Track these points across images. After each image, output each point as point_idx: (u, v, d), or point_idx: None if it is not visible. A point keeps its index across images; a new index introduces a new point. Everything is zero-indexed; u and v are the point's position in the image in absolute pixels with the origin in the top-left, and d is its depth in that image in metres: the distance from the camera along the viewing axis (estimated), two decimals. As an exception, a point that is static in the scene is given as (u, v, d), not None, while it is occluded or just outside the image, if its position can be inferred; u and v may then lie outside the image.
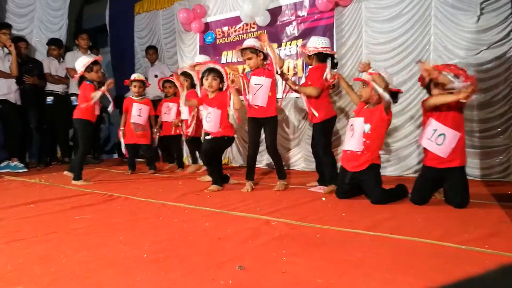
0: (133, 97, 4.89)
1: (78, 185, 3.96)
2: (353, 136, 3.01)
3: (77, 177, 4.09)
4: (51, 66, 5.87)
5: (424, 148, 2.88)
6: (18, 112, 5.39)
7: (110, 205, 3.03)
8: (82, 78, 4.13)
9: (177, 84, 4.00)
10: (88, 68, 4.09)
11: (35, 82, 5.60)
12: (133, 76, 4.92)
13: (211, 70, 3.66)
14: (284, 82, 3.63)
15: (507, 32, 3.66)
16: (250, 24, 5.24)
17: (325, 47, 3.48)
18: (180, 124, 5.00)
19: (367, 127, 2.96)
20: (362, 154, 2.97)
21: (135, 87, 4.83)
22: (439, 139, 2.74)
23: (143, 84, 4.90)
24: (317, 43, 3.50)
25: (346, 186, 3.07)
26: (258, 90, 3.48)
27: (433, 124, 2.79)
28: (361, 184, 3.01)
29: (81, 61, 4.12)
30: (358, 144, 2.98)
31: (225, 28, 5.54)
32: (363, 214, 2.58)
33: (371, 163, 2.96)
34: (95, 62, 4.13)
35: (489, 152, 3.79)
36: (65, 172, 4.61)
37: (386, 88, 2.84)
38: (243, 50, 3.51)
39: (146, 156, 5.12)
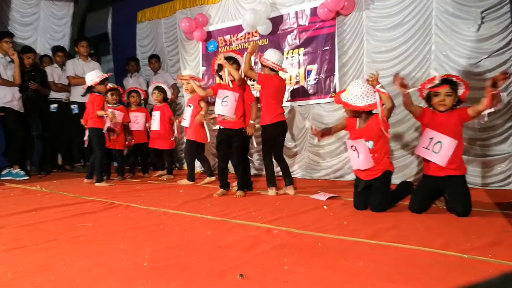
0: (108, 104, 5.00)
1: (101, 186, 4.47)
2: (359, 157, 2.94)
3: (100, 179, 4.58)
4: (54, 74, 5.92)
5: (424, 157, 2.87)
6: (20, 119, 5.42)
7: (111, 213, 3.03)
8: (90, 89, 4.60)
9: (193, 83, 4.07)
10: (101, 82, 4.58)
11: (38, 88, 5.64)
12: (108, 85, 5.01)
13: (234, 59, 3.71)
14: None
15: (507, 41, 3.67)
16: (252, 32, 5.27)
17: (276, 64, 3.65)
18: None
19: (370, 144, 2.91)
20: (373, 167, 2.93)
21: (112, 95, 4.98)
22: (436, 147, 2.73)
23: (119, 91, 5.14)
24: (273, 57, 3.64)
25: (361, 197, 2.97)
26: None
27: (429, 132, 2.79)
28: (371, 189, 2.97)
29: (95, 74, 4.59)
30: (367, 162, 2.91)
31: (227, 37, 5.57)
32: (364, 222, 2.57)
33: (384, 170, 2.91)
34: (107, 78, 4.67)
35: (490, 160, 3.78)
36: (85, 181, 4.76)
37: (392, 108, 2.78)
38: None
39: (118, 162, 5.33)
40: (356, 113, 2.97)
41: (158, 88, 5.24)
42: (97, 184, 4.56)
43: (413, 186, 3.10)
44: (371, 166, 2.92)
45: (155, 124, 5.17)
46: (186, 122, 4.74)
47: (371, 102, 2.83)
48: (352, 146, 2.98)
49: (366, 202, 2.97)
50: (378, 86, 2.78)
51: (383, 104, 2.80)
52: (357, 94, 2.86)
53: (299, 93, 4.93)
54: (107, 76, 4.68)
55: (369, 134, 2.91)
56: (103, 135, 4.66)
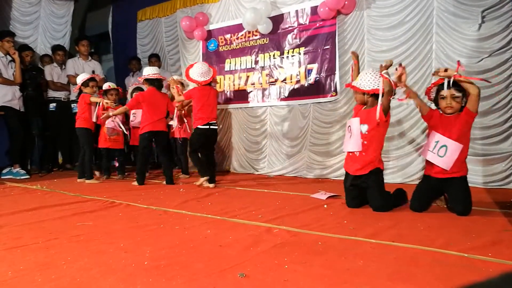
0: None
1: (91, 183, 4.62)
2: (351, 137, 2.99)
3: (90, 176, 4.72)
4: (53, 73, 5.92)
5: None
6: (20, 118, 5.42)
7: (111, 212, 3.03)
8: (81, 91, 4.79)
9: (173, 90, 4.40)
10: (85, 83, 4.72)
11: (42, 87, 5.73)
12: (107, 85, 5.08)
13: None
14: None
15: (508, 40, 3.67)
16: (253, 31, 5.27)
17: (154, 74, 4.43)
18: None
19: (365, 127, 2.93)
20: (361, 156, 2.94)
21: (111, 95, 5.04)
22: (441, 151, 2.73)
23: (118, 91, 5.19)
24: (147, 72, 4.45)
25: (352, 193, 3.00)
26: None
27: (435, 136, 2.79)
28: (365, 190, 2.97)
29: (80, 77, 4.79)
30: (356, 144, 2.95)
31: (228, 36, 5.57)
32: (365, 221, 2.57)
33: (373, 167, 2.91)
34: (91, 79, 4.79)
35: (491, 159, 3.78)
36: (78, 180, 4.79)
37: (389, 92, 2.79)
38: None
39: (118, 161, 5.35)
40: (363, 98, 2.99)
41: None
42: (87, 181, 4.66)
43: (407, 197, 3.04)
44: (358, 151, 2.94)
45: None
46: (174, 122, 4.86)
47: (376, 87, 2.85)
48: (348, 126, 3.06)
49: (358, 200, 3.00)
50: (383, 72, 2.80)
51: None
52: (365, 79, 2.93)
53: (300, 92, 4.92)
54: (89, 77, 4.77)
55: (367, 118, 2.93)
56: (91, 134, 4.74)
